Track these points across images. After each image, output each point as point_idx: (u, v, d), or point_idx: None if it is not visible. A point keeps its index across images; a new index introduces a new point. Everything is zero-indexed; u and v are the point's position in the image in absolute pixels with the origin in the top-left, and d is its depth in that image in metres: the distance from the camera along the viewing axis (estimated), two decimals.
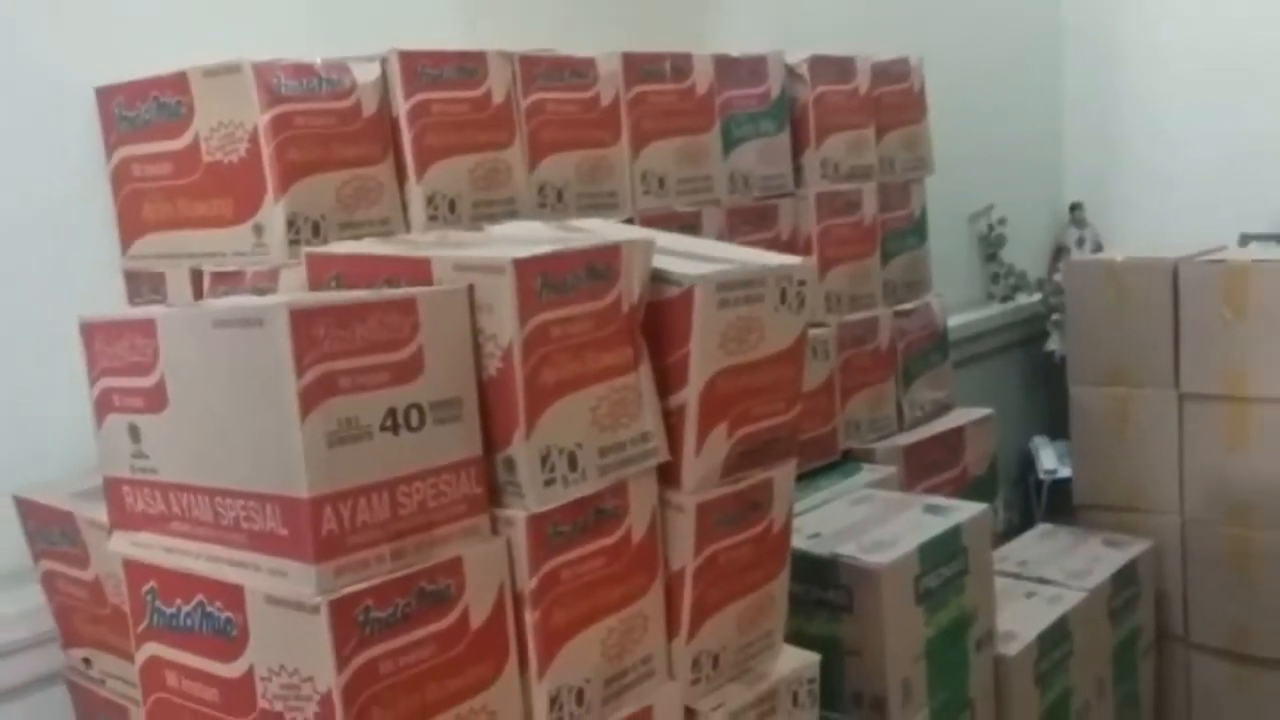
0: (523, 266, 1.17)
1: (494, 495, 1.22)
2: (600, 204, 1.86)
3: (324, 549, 1.06)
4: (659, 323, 1.32)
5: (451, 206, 1.65)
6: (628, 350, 1.28)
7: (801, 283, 1.44)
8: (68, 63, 1.67)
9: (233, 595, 1.14)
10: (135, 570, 1.25)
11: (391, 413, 1.10)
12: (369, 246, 1.37)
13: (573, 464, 1.23)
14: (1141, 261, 2.55)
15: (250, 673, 1.13)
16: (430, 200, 1.63)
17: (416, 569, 1.13)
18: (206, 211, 1.57)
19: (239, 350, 1.08)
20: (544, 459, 1.20)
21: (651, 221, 1.90)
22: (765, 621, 1.47)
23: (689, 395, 1.32)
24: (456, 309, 1.18)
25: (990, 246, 3.46)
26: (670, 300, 1.31)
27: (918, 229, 2.50)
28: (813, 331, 1.96)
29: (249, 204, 1.52)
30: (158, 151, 1.61)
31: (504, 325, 1.17)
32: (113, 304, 1.69)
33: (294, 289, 1.45)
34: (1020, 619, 2.10)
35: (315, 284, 1.33)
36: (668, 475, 1.34)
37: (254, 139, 1.50)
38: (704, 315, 1.31)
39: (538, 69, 1.78)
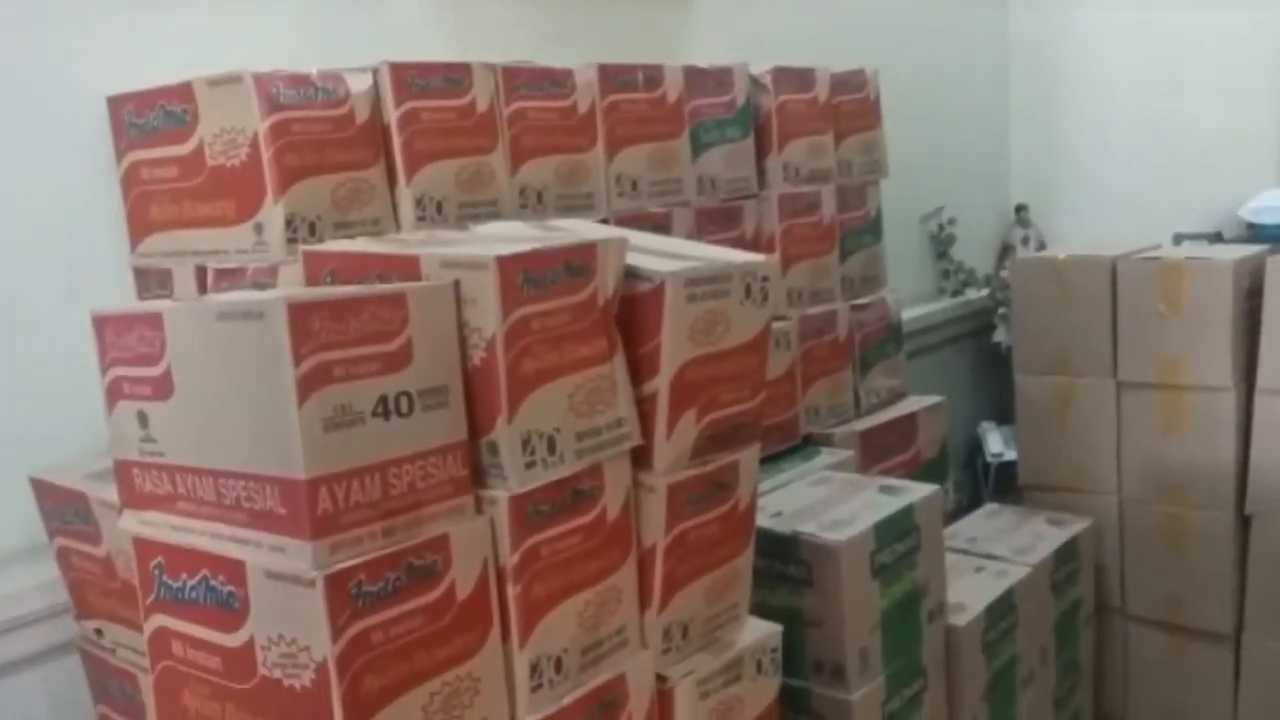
0: (505, 264, 1.17)
1: (478, 477, 1.22)
2: (577, 205, 1.87)
3: (319, 527, 1.06)
4: (632, 316, 1.32)
5: (439, 208, 1.65)
6: (603, 342, 1.29)
7: (765, 279, 1.44)
8: (83, 75, 1.66)
9: (235, 570, 1.14)
10: (144, 546, 1.25)
11: (383, 400, 1.11)
12: (362, 245, 1.38)
13: (551, 448, 1.23)
14: (1082, 259, 2.56)
15: (251, 642, 1.14)
16: (419, 202, 1.63)
17: (406, 545, 1.13)
18: (210, 212, 1.57)
19: (241, 341, 1.09)
20: (525, 443, 1.21)
21: (625, 221, 1.90)
22: (731, 595, 1.48)
23: (660, 383, 1.33)
24: (443, 303, 1.18)
25: (941, 245, 3.48)
26: (643, 295, 1.32)
27: (874, 228, 2.51)
28: (776, 324, 1.97)
29: (250, 205, 1.52)
30: (165, 156, 1.61)
31: (487, 318, 1.18)
32: (123, 298, 1.69)
33: (292, 284, 1.45)
34: (969, 592, 2.11)
35: (311, 280, 1.33)
36: (641, 458, 1.35)
37: (254, 144, 1.50)
38: (674, 308, 1.31)
39: (519, 79, 1.78)
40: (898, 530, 1.82)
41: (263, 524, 1.10)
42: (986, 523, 2.55)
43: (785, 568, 1.73)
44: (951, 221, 3.47)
